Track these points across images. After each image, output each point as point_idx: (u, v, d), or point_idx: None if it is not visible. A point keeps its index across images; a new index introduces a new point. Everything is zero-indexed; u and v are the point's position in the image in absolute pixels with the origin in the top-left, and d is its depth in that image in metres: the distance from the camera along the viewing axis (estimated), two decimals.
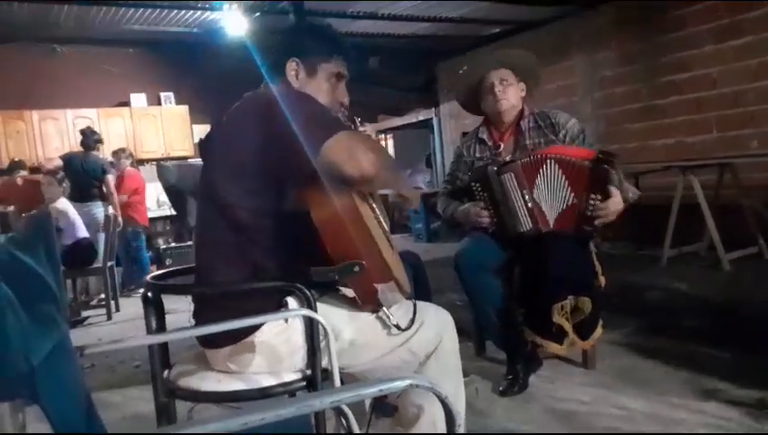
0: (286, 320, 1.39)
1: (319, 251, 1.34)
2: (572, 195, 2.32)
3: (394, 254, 1.55)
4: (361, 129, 1.82)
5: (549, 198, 2.37)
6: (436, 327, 1.51)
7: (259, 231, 1.39)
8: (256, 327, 1.38)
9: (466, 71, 2.70)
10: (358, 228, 1.35)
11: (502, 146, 2.60)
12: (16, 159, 6.18)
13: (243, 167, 1.38)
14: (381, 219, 1.56)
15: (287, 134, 1.28)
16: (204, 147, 1.54)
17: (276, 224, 1.39)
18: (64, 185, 4.98)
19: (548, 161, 2.35)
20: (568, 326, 2.31)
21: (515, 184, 2.39)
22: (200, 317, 1.48)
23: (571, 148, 2.44)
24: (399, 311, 1.45)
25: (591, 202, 2.28)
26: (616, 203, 2.27)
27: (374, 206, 1.54)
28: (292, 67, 1.54)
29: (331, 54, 1.57)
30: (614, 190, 2.27)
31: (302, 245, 1.35)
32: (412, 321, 1.46)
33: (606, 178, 2.26)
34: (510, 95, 2.55)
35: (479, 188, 2.48)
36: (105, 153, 6.29)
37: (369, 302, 1.41)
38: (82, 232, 4.93)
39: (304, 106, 1.36)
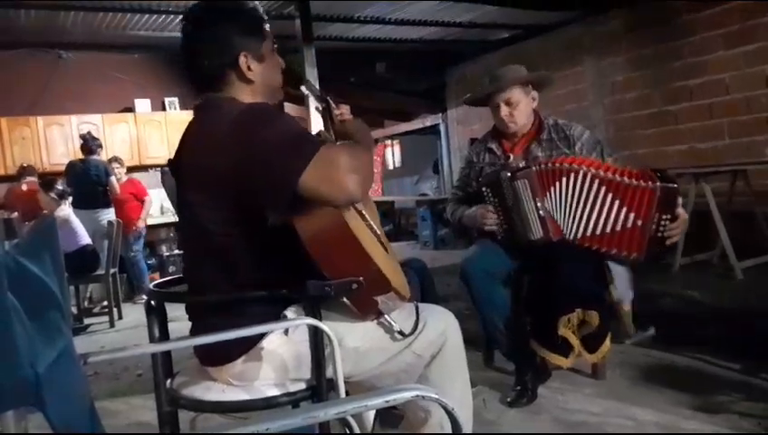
0: (286, 332, 1.37)
1: (314, 266, 1.29)
2: (633, 217, 2.23)
3: (390, 259, 1.52)
4: (337, 111, 1.73)
5: (575, 211, 2.30)
6: (439, 328, 1.49)
7: (247, 254, 1.35)
8: (256, 342, 1.35)
9: (470, 97, 2.70)
10: (350, 245, 1.28)
11: (511, 157, 2.56)
12: (25, 165, 6.20)
13: (220, 195, 1.31)
14: (373, 224, 1.51)
15: (260, 163, 1.22)
16: (174, 168, 1.46)
17: (265, 246, 1.34)
18: (52, 194, 4.96)
19: (577, 176, 2.28)
20: (574, 339, 2.29)
21: (529, 191, 2.35)
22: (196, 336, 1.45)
23: (611, 165, 2.35)
24: (401, 315, 1.43)
25: (663, 224, 2.21)
26: (685, 221, 2.23)
27: (363, 212, 1.49)
28: (244, 64, 1.41)
29: (261, 28, 1.46)
30: (680, 208, 2.23)
31: (296, 260, 1.29)
32: (416, 324, 1.43)
33: (676, 199, 2.21)
34: (518, 116, 2.50)
35: (489, 193, 2.44)
36: (106, 158, 6.30)
37: (369, 313, 1.38)
38: (85, 239, 4.93)
39: (272, 129, 1.26)
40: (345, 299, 1.42)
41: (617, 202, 2.24)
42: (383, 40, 7.35)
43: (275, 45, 1.50)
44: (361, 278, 1.27)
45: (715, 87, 5.35)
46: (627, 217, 2.24)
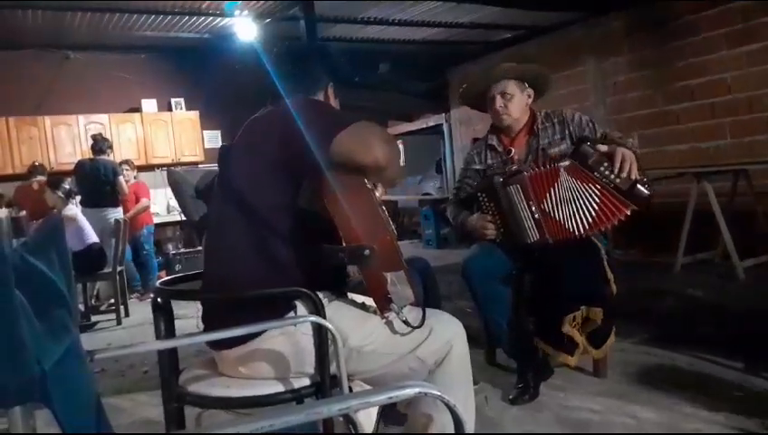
0: (295, 324, 1.39)
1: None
2: (593, 188, 2.30)
3: None
4: None
5: (576, 205, 2.34)
6: (445, 335, 1.49)
7: (274, 228, 1.41)
8: (262, 330, 1.38)
9: (466, 88, 2.73)
10: (372, 214, 1.38)
11: (513, 150, 2.59)
12: (37, 163, 6.22)
13: (264, 163, 1.42)
14: (390, 220, 1.56)
15: (306, 127, 1.34)
16: (227, 149, 1.58)
17: (293, 222, 1.41)
18: (59, 193, 5.00)
19: (564, 174, 2.34)
20: (579, 337, 2.30)
21: (522, 195, 2.39)
22: (209, 319, 1.49)
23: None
24: (410, 316, 1.44)
25: (608, 173, 2.26)
26: (619, 151, 2.26)
27: (383, 207, 1.54)
28: (330, 92, 1.67)
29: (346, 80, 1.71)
30: (603, 147, 2.29)
31: (316, 245, 1.37)
32: (423, 320, 1.44)
33: (586, 152, 2.29)
34: (513, 109, 2.54)
35: (485, 199, 2.47)
36: (116, 159, 6.36)
37: (379, 295, 1.39)
38: (93, 238, 4.95)
39: (321, 105, 1.52)
40: (355, 295, 1.45)
41: (583, 184, 2.31)
42: (387, 41, 7.36)
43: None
44: (375, 247, 1.33)
45: (716, 87, 5.33)
46: (593, 192, 2.30)
